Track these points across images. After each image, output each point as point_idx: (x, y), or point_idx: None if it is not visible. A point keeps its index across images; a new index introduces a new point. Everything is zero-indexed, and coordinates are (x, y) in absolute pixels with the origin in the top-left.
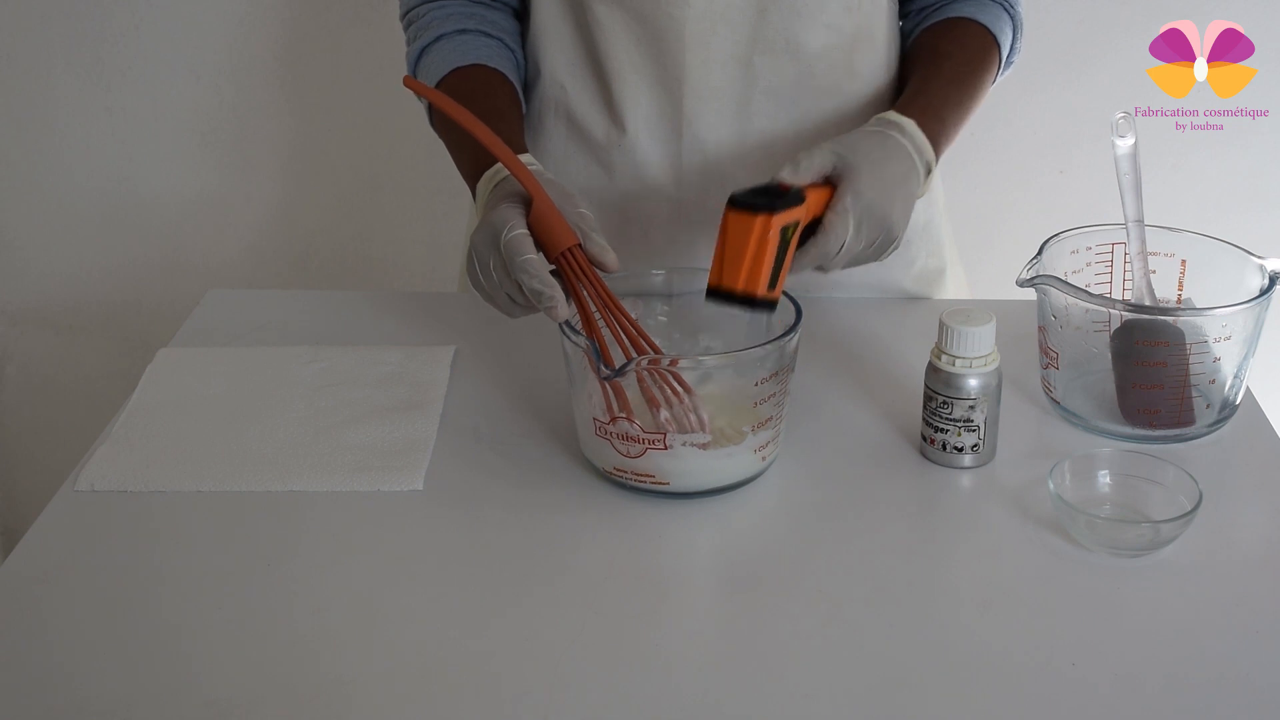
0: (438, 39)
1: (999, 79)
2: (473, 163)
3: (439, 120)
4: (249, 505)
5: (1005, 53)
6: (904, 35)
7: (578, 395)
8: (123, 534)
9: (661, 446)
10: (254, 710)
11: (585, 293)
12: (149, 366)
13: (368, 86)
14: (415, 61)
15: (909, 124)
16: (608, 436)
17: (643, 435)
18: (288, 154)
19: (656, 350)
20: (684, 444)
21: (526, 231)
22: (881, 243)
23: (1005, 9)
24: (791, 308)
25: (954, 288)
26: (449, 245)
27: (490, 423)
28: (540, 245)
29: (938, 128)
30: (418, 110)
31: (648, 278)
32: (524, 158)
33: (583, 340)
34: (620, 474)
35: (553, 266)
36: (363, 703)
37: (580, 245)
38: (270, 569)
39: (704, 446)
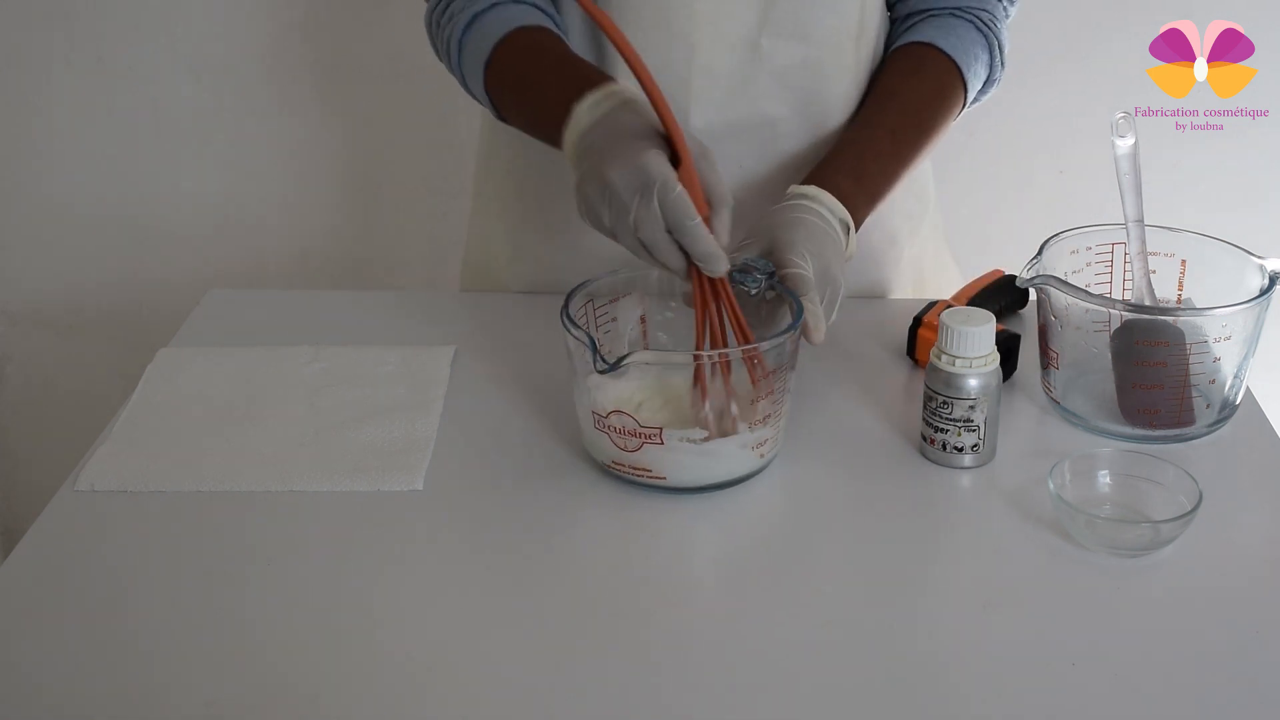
0: (493, 6)
1: (981, 100)
2: (573, 85)
3: (517, 47)
4: (249, 505)
5: (972, 81)
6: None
7: (579, 389)
8: (123, 534)
9: (657, 441)
10: (253, 710)
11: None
12: (149, 366)
13: (368, 87)
14: (464, 28)
15: (813, 190)
16: (606, 430)
17: (639, 429)
18: (288, 154)
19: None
20: (680, 439)
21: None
22: (830, 296)
23: (982, 30)
24: (791, 305)
25: (949, 287)
26: (449, 245)
27: (490, 422)
28: None
29: (852, 185)
30: (417, 110)
31: (651, 272)
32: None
33: (581, 334)
34: (618, 468)
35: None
36: (363, 703)
37: (710, 219)
38: (270, 569)
39: (699, 442)
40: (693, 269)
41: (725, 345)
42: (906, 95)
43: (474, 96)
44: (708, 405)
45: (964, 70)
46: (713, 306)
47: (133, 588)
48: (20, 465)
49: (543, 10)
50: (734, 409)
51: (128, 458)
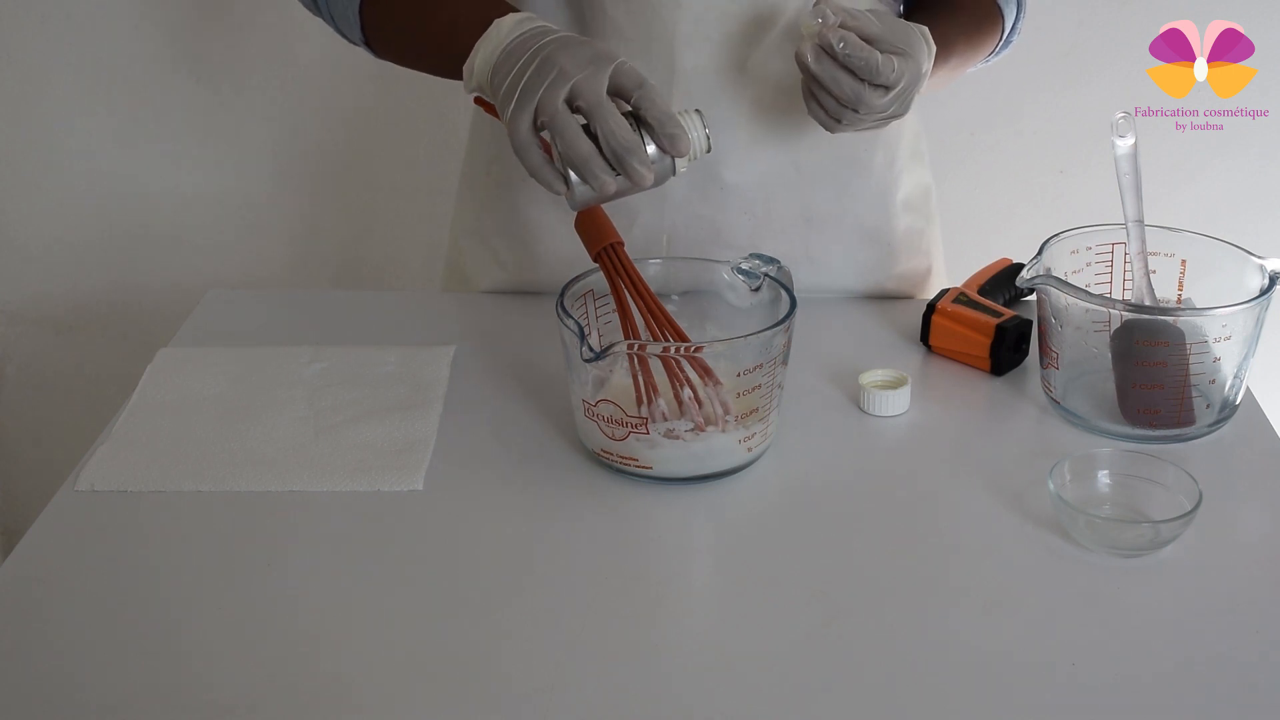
0: None
1: (998, 56)
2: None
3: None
4: (249, 505)
5: (1007, 27)
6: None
7: (571, 379)
8: (123, 534)
9: (643, 431)
10: (254, 710)
11: (625, 289)
12: (149, 366)
13: (367, 87)
14: None
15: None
16: (595, 419)
17: (625, 419)
18: (287, 154)
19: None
20: (664, 432)
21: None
22: (910, 77)
23: None
24: (786, 300)
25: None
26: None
27: (490, 422)
28: (583, 241)
29: (940, 41)
30: (417, 110)
31: (656, 267)
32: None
33: (573, 323)
34: (607, 456)
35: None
36: (363, 703)
37: (622, 244)
38: (270, 569)
39: (684, 434)
40: (614, 295)
41: (669, 328)
42: (968, 7)
43: (338, 27)
44: (685, 394)
45: (1003, 8)
46: (620, 283)
47: (132, 588)
48: (20, 465)
49: None
50: (713, 404)
51: (128, 458)
